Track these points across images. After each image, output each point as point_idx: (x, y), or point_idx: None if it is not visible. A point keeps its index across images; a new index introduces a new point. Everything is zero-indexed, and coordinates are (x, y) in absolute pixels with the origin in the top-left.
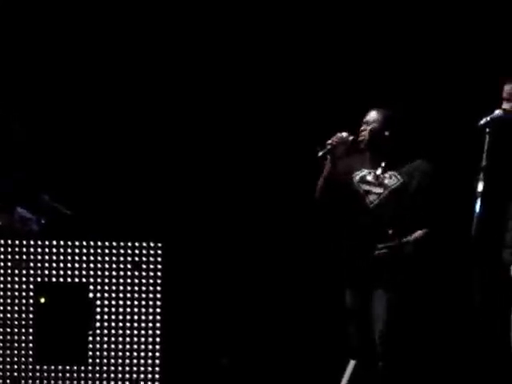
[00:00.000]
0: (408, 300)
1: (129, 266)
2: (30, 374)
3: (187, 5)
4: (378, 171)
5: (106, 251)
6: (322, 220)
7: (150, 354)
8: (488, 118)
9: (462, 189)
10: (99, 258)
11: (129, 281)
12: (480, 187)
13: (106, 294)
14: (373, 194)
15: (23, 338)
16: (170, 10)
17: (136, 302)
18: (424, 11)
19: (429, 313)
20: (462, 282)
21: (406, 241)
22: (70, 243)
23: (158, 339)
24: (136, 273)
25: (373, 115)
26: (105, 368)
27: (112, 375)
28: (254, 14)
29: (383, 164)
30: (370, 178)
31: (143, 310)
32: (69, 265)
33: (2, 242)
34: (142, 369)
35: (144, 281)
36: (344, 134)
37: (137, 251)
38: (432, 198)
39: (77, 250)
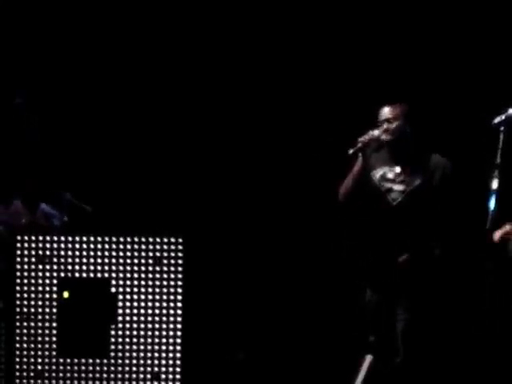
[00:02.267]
0: (429, 299)
1: (150, 262)
2: (54, 367)
3: (187, 5)
4: (398, 169)
5: (128, 247)
6: (344, 219)
7: (170, 348)
8: (502, 117)
9: (476, 186)
10: (121, 254)
11: (150, 276)
12: (494, 185)
13: (128, 289)
14: (395, 191)
15: (47, 332)
16: (170, 10)
17: (157, 297)
18: (439, 11)
19: (448, 310)
20: (477, 278)
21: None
22: (92, 239)
23: (178, 333)
24: (157, 268)
25: (393, 112)
26: (127, 362)
27: (133, 369)
28: (256, 14)
29: (403, 162)
30: (390, 175)
31: (164, 304)
32: (91, 260)
33: (26, 237)
34: (163, 362)
35: (165, 276)
36: (376, 133)
37: (158, 246)
38: (453, 192)
39: (99, 246)
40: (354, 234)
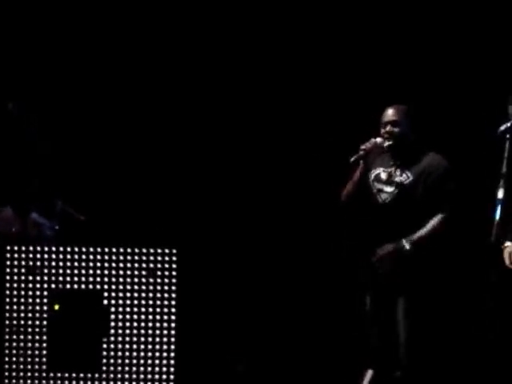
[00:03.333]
0: (427, 306)
1: (143, 273)
2: (44, 382)
3: (187, 5)
4: (393, 170)
5: (121, 258)
6: (344, 222)
7: (164, 361)
8: (508, 124)
9: (482, 195)
10: (113, 265)
11: (143, 288)
12: (500, 194)
13: (121, 301)
14: (384, 192)
15: (37, 345)
16: (170, 10)
17: (150, 309)
18: (442, 13)
19: (448, 319)
20: (481, 287)
21: (410, 239)
22: (84, 249)
23: (172, 346)
24: (150, 279)
25: (396, 114)
26: (119, 376)
27: (126, 383)
28: (257, 14)
29: (398, 163)
30: (383, 176)
31: (158, 316)
32: (83, 271)
33: (16, 247)
34: (157, 376)
35: (159, 287)
36: (378, 140)
37: (151, 258)
38: (444, 188)
39: (91, 257)
40: (353, 235)
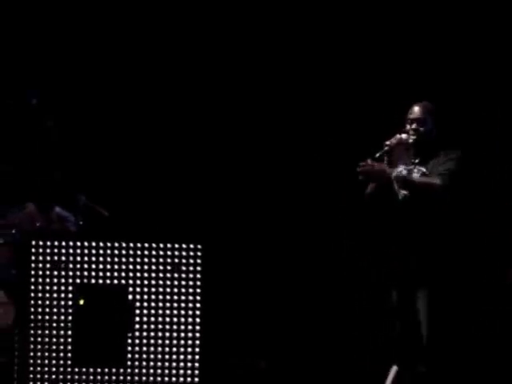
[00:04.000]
0: (449, 302)
1: (168, 268)
2: (69, 376)
3: (187, 5)
4: (413, 167)
5: (146, 253)
6: (367, 220)
7: (189, 356)
8: None
9: (502, 192)
10: (138, 260)
11: (168, 283)
12: None
13: (146, 296)
14: (404, 189)
15: (62, 340)
16: (171, 10)
17: (175, 304)
18: (456, 15)
19: (469, 316)
20: (500, 284)
21: (398, 171)
22: (109, 244)
23: (197, 342)
24: (175, 275)
25: (423, 112)
26: (144, 371)
27: (151, 377)
28: (258, 15)
29: (418, 160)
30: (404, 172)
31: (182, 311)
32: (108, 266)
33: (41, 242)
34: (181, 371)
35: (183, 283)
36: (404, 136)
37: (176, 253)
38: (447, 165)
39: (116, 252)
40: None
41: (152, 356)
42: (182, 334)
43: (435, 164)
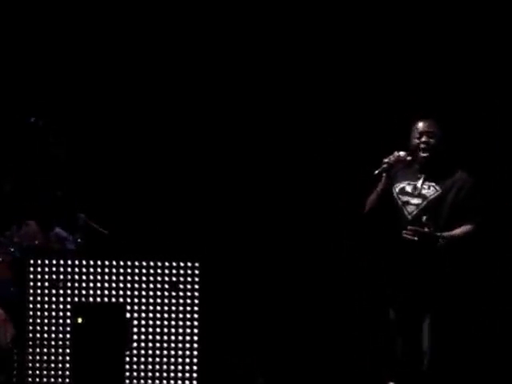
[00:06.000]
0: (453, 320)
1: (166, 286)
2: None
3: (187, 5)
4: (419, 183)
5: (143, 271)
6: (366, 232)
7: (187, 375)
8: None
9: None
10: (136, 278)
11: (166, 301)
12: None
13: (143, 314)
14: (411, 204)
15: (60, 359)
16: (171, 10)
17: (173, 323)
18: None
19: (473, 333)
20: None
21: (442, 235)
22: (107, 263)
23: (195, 360)
24: (173, 293)
25: (432, 127)
26: None
27: None
28: (259, 15)
29: (423, 176)
30: (408, 188)
31: (180, 330)
32: (106, 285)
33: (39, 261)
34: None
35: (181, 301)
36: (402, 154)
37: (174, 271)
38: (473, 203)
39: (114, 270)
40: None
41: (150, 374)
42: (180, 353)
43: (455, 185)
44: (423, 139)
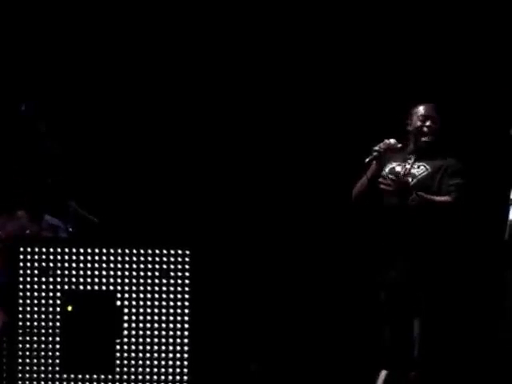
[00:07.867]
0: (443, 305)
1: (157, 274)
2: (57, 383)
3: (187, 5)
4: (408, 164)
5: (134, 259)
6: (355, 220)
7: (178, 363)
8: None
9: (495, 196)
10: (127, 266)
11: (157, 289)
12: None
13: (134, 302)
14: None
15: (50, 347)
16: (171, 10)
17: (164, 310)
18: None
19: (463, 319)
20: (495, 286)
21: (418, 192)
22: (97, 251)
23: (186, 347)
24: (164, 280)
25: (434, 112)
26: (133, 377)
27: None
28: (261, 15)
29: (414, 157)
30: (398, 168)
31: (171, 317)
32: (96, 272)
33: (29, 249)
34: (170, 377)
35: (172, 288)
36: (392, 141)
37: (165, 258)
38: (455, 180)
39: (104, 258)
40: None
41: (141, 362)
42: (171, 340)
43: (443, 167)
44: (427, 123)
